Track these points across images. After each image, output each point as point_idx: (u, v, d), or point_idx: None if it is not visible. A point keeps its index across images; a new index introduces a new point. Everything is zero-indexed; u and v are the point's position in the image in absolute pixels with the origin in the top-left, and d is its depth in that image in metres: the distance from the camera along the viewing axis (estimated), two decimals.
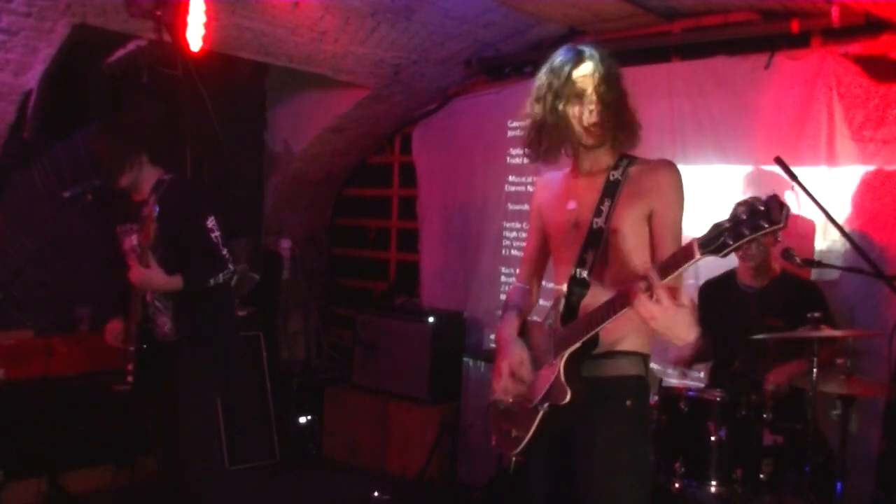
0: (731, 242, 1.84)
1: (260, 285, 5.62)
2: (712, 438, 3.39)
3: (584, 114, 2.37)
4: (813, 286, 3.95)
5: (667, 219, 2.33)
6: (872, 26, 3.97)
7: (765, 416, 3.47)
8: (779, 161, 3.27)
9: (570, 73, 2.37)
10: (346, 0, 4.54)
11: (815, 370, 3.33)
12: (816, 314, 3.40)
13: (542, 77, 2.44)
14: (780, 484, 3.52)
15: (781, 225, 1.78)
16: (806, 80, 4.20)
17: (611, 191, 2.38)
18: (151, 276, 3.21)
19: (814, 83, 4.17)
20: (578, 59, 2.38)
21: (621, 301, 2.12)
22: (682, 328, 2.02)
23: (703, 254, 1.90)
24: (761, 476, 3.42)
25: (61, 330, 4.94)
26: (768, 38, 4.38)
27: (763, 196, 1.83)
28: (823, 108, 4.14)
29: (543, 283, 2.79)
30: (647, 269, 2.03)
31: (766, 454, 3.45)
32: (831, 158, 4.13)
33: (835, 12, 3.97)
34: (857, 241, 3.48)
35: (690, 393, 3.54)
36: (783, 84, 4.29)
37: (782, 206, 1.78)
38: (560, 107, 2.38)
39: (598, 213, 2.38)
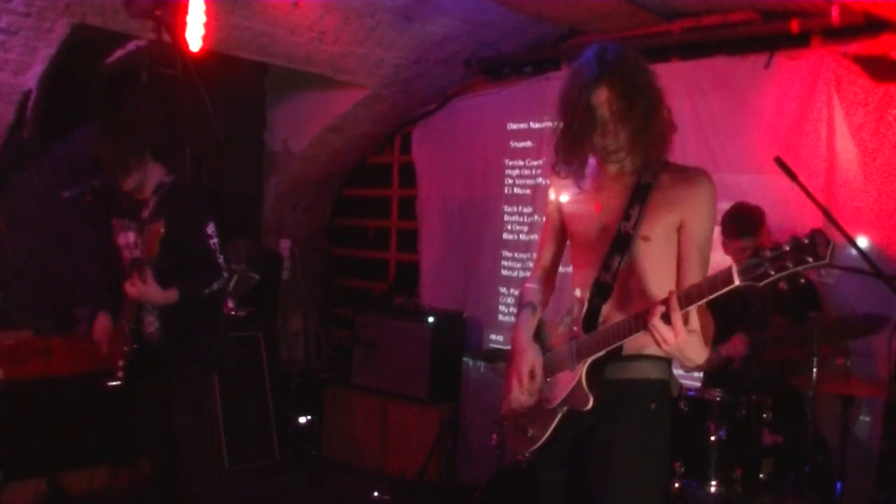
0: (772, 273, 1.84)
1: (259, 285, 5.62)
2: (712, 438, 3.39)
3: (604, 140, 2.30)
4: (807, 283, 3.95)
5: (695, 232, 2.28)
6: (872, 26, 3.97)
7: (765, 416, 3.47)
8: (778, 161, 3.27)
9: (588, 99, 2.27)
10: (345, 0, 4.54)
11: (815, 370, 3.33)
12: (814, 313, 3.41)
13: (567, 87, 2.35)
14: (779, 484, 3.52)
15: (826, 261, 1.78)
16: (806, 80, 4.20)
17: (640, 196, 2.32)
18: (148, 291, 3.22)
19: (814, 83, 4.17)
20: (598, 80, 2.26)
21: (638, 322, 2.13)
22: (692, 353, 2.09)
23: (742, 281, 1.89)
24: (761, 476, 3.42)
25: (60, 330, 4.93)
26: (768, 37, 4.38)
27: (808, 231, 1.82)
28: (823, 108, 4.14)
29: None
30: (670, 294, 2.01)
31: (765, 454, 3.45)
32: (831, 158, 4.13)
33: (834, 12, 3.97)
34: (856, 242, 3.48)
35: (690, 393, 3.54)
36: (783, 84, 4.29)
37: (828, 242, 1.77)
38: (581, 128, 2.32)
39: (626, 217, 2.32)
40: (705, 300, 1.98)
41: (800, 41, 4.29)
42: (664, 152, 2.34)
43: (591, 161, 2.45)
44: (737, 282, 1.90)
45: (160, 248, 3.13)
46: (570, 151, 2.38)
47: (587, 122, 2.29)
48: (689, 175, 2.34)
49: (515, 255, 5.47)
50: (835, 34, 4.15)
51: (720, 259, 4.45)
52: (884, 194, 4.00)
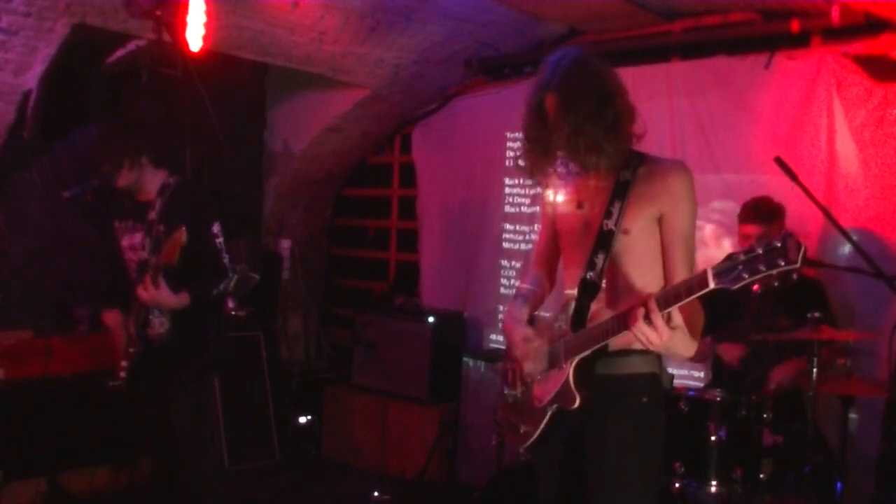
0: (746, 276, 1.87)
1: (260, 285, 5.60)
2: (712, 438, 3.39)
3: (560, 143, 2.37)
4: (815, 283, 3.95)
5: (676, 224, 2.33)
6: (872, 26, 3.97)
7: (765, 416, 3.46)
8: (778, 161, 3.27)
9: (540, 103, 2.38)
10: (345, 0, 4.54)
11: (815, 370, 3.33)
12: (816, 314, 3.40)
13: (529, 96, 2.44)
14: (780, 484, 3.52)
15: (797, 265, 1.81)
16: (806, 80, 4.20)
17: (621, 192, 2.36)
18: (161, 296, 3.22)
19: (814, 83, 4.17)
20: (548, 87, 2.36)
21: (621, 324, 2.18)
22: (679, 349, 2.15)
23: (717, 284, 1.93)
24: (761, 476, 3.42)
25: (60, 330, 4.93)
26: (768, 37, 4.38)
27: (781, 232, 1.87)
28: (823, 108, 4.14)
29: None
30: (648, 296, 2.07)
31: (766, 454, 3.45)
32: (831, 158, 4.13)
33: (835, 12, 3.97)
34: (856, 241, 3.48)
35: (690, 393, 3.54)
36: (783, 84, 4.29)
37: (799, 245, 1.81)
38: (535, 130, 2.42)
39: (608, 214, 2.36)
40: (683, 302, 2.02)
41: (800, 41, 4.29)
42: (628, 145, 2.39)
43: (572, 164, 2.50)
44: (711, 284, 1.94)
45: (179, 255, 3.13)
46: (528, 152, 2.47)
47: (539, 124, 2.40)
48: (666, 167, 2.39)
49: (517, 227, 5.47)
50: (835, 34, 4.15)
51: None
52: (884, 194, 4.00)
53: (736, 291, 1.94)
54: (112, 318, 3.49)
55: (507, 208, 5.53)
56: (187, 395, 3.42)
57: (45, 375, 4.63)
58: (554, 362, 2.42)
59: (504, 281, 5.55)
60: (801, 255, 1.80)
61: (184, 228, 3.11)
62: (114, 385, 3.44)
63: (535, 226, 5.29)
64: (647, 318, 2.04)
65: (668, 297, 2.05)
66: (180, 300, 3.28)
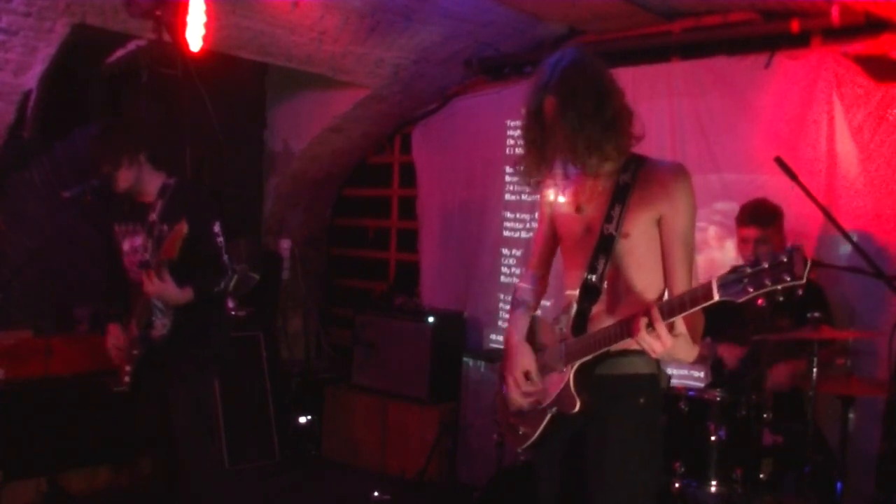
0: (751, 290, 1.87)
1: (260, 285, 5.61)
2: (712, 438, 3.39)
3: (557, 145, 2.36)
4: (814, 285, 3.94)
5: (676, 225, 2.32)
6: (872, 26, 3.97)
7: (765, 416, 3.46)
8: (778, 161, 3.27)
9: (538, 105, 2.37)
10: (345, 0, 4.54)
11: (815, 370, 3.33)
12: (816, 314, 3.39)
13: (527, 99, 2.43)
14: (780, 484, 3.52)
15: (803, 281, 1.81)
16: (806, 80, 4.20)
17: (621, 196, 2.36)
18: (167, 289, 3.24)
19: (814, 83, 4.17)
20: (545, 88, 2.35)
21: (623, 331, 2.19)
22: (681, 354, 2.18)
23: (722, 296, 1.93)
24: (761, 476, 3.42)
25: (60, 330, 4.94)
26: (768, 37, 4.38)
27: (787, 245, 1.86)
28: (823, 108, 4.14)
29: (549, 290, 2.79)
30: (650, 305, 2.07)
31: (766, 454, 3.45)
32: (831, 158, 4.13)
33: (835, 12, 3.97)
34: (856, 241, 3.48)
35: (690, 393, 3.54)
36: (783, 84, 4.29)
37: (805, 261, 1.80)
38: (533, 132, 2.41)
39: (608, 218, 2.36)
40: (687, 313, 2.02)
41: (800, 41, 4.29)
42: (627, 146, 2.38)
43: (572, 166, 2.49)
44: (716, 297, 1.94)
45: (181, 248, 3.14)
46: (527, 156, 2.46)
47: (537, 127, 2.39)
48: (665, 170, 2.39)
49: (518, 215, 5.47)
50: (835, 34, 4.14)
51: (726, 256, 4.47)
52: (884, 194, 4.00)
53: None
54: (113, 335, 3.50)
55: (508, 196, 5.52)
56: (187, 387, 3.43)
57: (45, 375, 4.63)
58: (554, 365, 2.43)
59: (504, 269, 5.55)
60: (807, 270, 1.80)
61: (185, 221, 3.12)
62: (118, 390, 3.45)
63: (536, 213, 5.29)
64: (650, 327, 2.05)
65: (672, 308, 2.05)
66: (184, 295, 3.29)
